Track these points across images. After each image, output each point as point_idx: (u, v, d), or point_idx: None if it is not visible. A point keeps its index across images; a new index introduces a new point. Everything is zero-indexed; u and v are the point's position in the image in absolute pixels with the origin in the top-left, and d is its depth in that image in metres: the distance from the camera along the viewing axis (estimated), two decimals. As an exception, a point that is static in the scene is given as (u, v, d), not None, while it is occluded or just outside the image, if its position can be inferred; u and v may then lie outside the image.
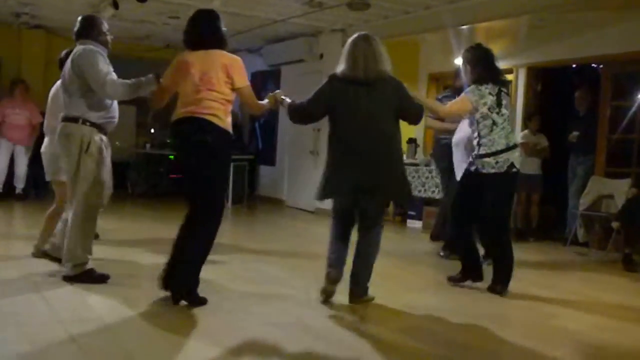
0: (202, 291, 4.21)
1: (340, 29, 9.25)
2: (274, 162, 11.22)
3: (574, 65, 8.33)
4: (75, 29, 4.55)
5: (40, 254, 5.09)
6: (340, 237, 4.28)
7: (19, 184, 9.18)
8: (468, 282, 4.93)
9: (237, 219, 9.25)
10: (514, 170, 4.71)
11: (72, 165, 4.33)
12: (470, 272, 4.94)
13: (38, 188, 9.45)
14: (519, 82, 8.24)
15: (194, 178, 4.01)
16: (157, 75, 4.26)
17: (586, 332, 3.94)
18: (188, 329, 3.52)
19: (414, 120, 4.35)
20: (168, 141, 11.55)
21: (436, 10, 7.52)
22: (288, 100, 4.38)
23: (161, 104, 4.32)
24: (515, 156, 4.75)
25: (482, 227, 4.96)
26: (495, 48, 8.26)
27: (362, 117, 4.07)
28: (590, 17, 7.20)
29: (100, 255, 5.13)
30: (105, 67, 4.32)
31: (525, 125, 8.03)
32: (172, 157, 11.48)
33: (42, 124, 8.72)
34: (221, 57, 4.06)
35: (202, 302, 3.97)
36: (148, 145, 10.92)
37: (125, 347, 3.20)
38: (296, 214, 9.53)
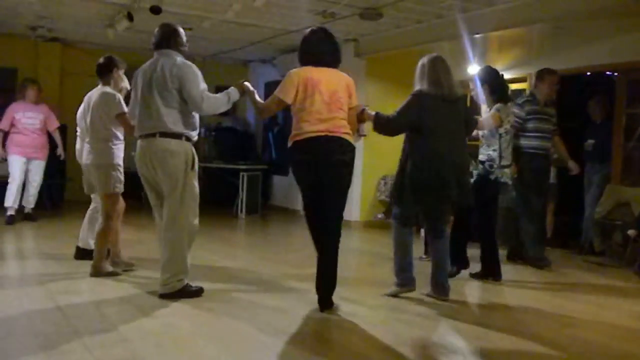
0: (215, 301, 4.23)
1: (353, 39, 9.27)
2: (288, 172, 11.23)
3: (588, 73, 8.27)
4: (156, 38, 4.44)
5: (122, 266, 5.18)
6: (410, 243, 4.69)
7: (29, 204, 8.16)
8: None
9: (252, 229, 9.26)
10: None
11: (177, 182, 4.26)
12: (492, 271, 5.46)
13: (53, 199, 9.48)
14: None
15: (331, 194, 4.14)
16: (242, 87, 4.37)
17: (601, 341, 3.91)
18: (204, 339, 3.53)
19: (471, 132, 5.02)
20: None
21: (449, 20, 7.51)
22: (372, 112, 4.52)
23: (271, 115, 4.64)
24: None
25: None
26: (509, 56, 8.32)
27: (447, 131, 4.48)
28: (606, 25, 7.15)
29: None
30: (203, 83, 4.29)
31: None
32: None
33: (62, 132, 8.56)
34: (343, 76, 4.24)
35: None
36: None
37: (141, 358, 3.21)
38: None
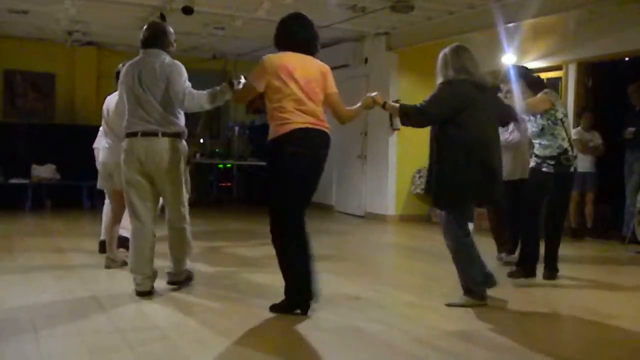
0: (251, 297, 4.26)
1: (384, 33, 9.23)
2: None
3: (626, 59, 8.09)
4: (144, 36, 4.46)
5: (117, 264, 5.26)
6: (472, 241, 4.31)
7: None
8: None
9: (287, 225, 9.28)
10: None
11: (177, 178, 4.44)
12: (529, 269, 5.18)
13: (93, 198, 9.59)
14: (569, 78, 8.06)
15: (311, 188, 4.14)
16: (231, 82, 4.24)
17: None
18: (242, 335, 3.56)
19: (509, 120, 4.85)
20: (217, 150, 11.75)
21: (481, 10, 7.43)
22: (394, 103, 4.35)
23: (245, 102, 4.41)
24: None
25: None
26: (544, 44, 8.19)
27: (485, 120, 4.21)
28: (641, 8, 6.99)
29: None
30: (187, 82, 4.32)
31: (577, 123, 7.85)
32: (221, 166, 11.67)
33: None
34: (318, 65, 4.05)
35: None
36: (198, 155, 11.10)
37: (181, 354, 3.26)
38: (345, 219, 9.48)
